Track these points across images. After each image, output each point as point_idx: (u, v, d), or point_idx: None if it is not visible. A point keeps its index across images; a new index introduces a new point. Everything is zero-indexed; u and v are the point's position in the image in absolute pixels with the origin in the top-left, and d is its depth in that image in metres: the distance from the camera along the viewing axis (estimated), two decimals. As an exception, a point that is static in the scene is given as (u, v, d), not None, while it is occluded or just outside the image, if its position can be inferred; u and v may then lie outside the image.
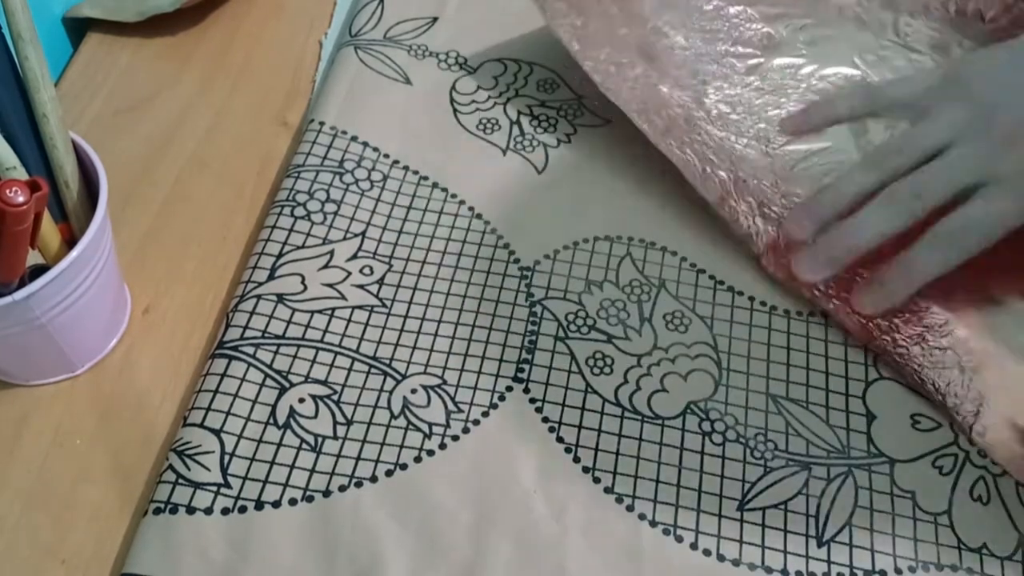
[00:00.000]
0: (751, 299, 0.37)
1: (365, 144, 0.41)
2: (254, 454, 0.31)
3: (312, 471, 0.31)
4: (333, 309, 0.35)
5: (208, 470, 0.31)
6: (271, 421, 0.32)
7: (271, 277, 0.36)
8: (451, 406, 0.33)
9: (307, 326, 0.35)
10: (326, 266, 0.37)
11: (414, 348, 0.34)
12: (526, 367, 0.34)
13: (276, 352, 0.34)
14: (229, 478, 0.31)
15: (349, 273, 0.37)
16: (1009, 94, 0.35)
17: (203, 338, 0.36)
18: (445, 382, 0.34)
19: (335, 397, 0.33)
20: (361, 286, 0.36)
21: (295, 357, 0.34)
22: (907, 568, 0.30)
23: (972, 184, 0.34)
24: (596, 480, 0.32)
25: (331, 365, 0.34)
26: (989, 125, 0.34)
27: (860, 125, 0.42)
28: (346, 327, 0.35)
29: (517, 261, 0.37)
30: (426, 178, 0.40)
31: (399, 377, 0.34)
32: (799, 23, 0.47)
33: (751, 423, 0.33)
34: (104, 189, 0.31)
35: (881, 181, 0.35)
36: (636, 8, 0.45)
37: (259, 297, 0.35)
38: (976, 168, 0.34)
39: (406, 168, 0.41)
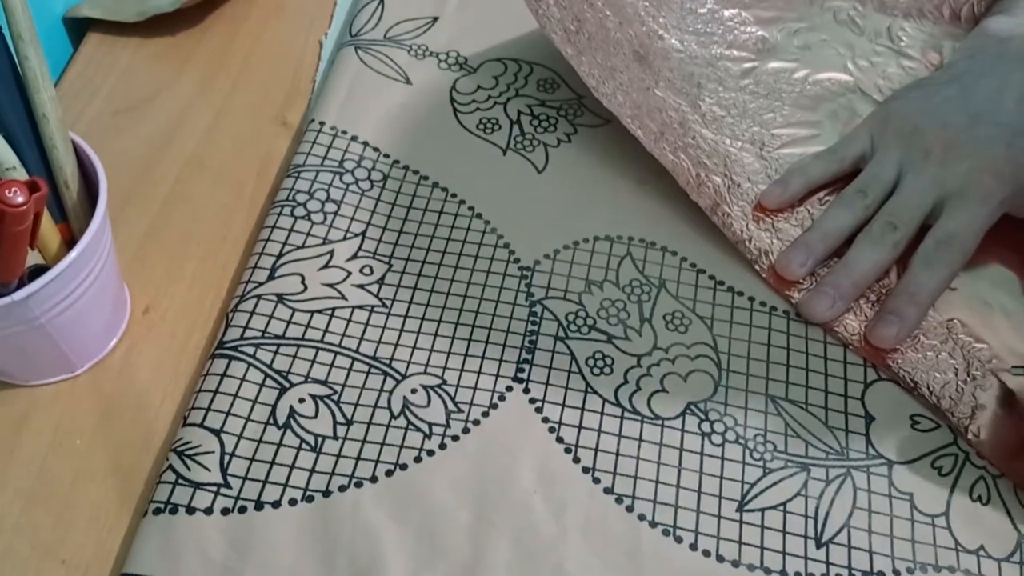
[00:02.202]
0: (751, 299, 0.37)
1: (365, 144, 0.41)
2: (254, 454, 0.31)
3: (312, 471, 0.31)
4: (333, 309, 0.35)
5: (208, 470, 0.31)
6: (271, 421, 0.32)
7: (271, 277, 0.36)
8: (451, 406, 0.33)
9: (307, 326, 0.35)
10: (326, 266, 0.37)
11: (414, 348, 0.34)
12: (526, 367, 0.34)
13: (276, 352, 0.34)
14: (229, 478, 0.31)
15: (349, 273, 0.37)
16: (927, 120, 0.39)
17: (203, 338, 0.36)
18: (445, 382, 0.34)
19: (335, 397, 0.33)
20: (361, 286, 0.36)
21: (295, 357, 0.34)
22: (905, 570, 0.30)
23: (935, 203, 0.37)
24: (596, 480, 0.32)
25: (331, 365, 0.34)
26: (922, 151, 0.38)
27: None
28: (346, 327, 0.35)
29: (517, 261, 0.37)
30: (426, 178, 0.40)
31: (399, 377, 0.34)
32: (793, 27, 0.47)
33: (750, 424, 0.33)
34: (104, 189, 0.31)
35: (857, 218, 0.38)
36: (630, 11, 0.44)
37: (259, 297, 0.35)
38: (931, 189, 0.37)
39: (406, 168, 0.41)
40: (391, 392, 0.33)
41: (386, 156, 0.41)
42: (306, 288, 0.36)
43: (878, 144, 0.40)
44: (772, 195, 0.39)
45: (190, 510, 0.30)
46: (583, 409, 0.33)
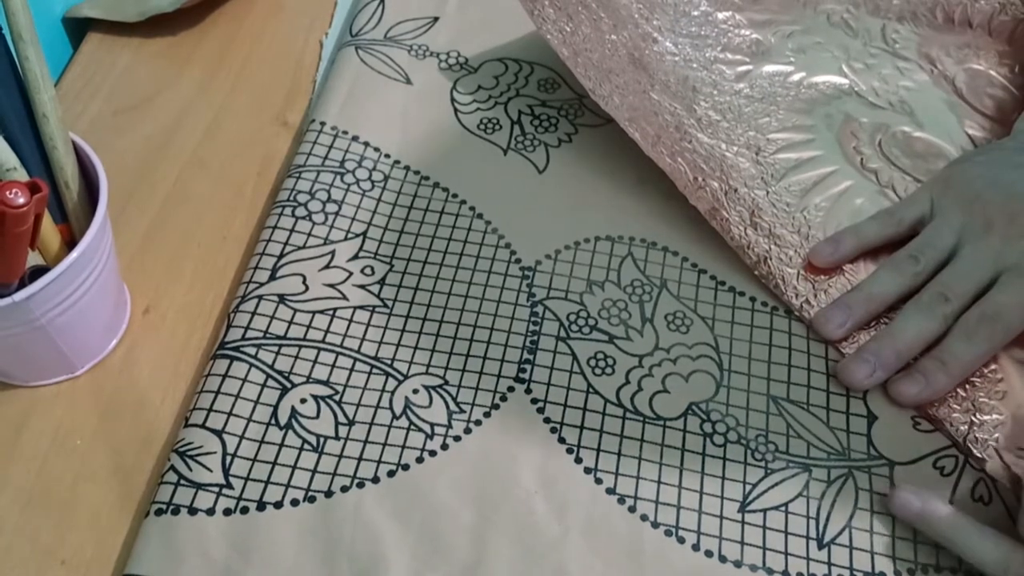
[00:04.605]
0: (752, 299, 0.37)
1: (366, 144, 0.41)
2: (256, 455, 0.31)
3: (314, 471, 0.31)
4: (335, 309, 0.35)
5: (210, 471, 0.31)
6: (273, 422, 0.32)
7: (272, 277, 0.36)
8: (453, 406, 0.33)
9: (309, 326, 0.35)
10: (327, 266, 0.37)
11: (416, 348, 0.34)
12: (528, 367, 0.34)
13: (278, 353, 0.34)
14: (231, 479, 0.31)
15: (350, 273, 0.37)
16: (991, 189, 0.37)
17: (203, 338, 0.36)
18: (447, 382, 0.34)
19: (337, 397, 0.33)
20: (362, 286, 0.36)
21: (297, 358, 0.34)
22: (906, 571, 0.30)
23: (992, 277, 0.35)
24: (598, 481, 0.32)
25: (333, 365, 0.34)
26: (984, 221, 0.36)
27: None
28: (348, 327, 0.35)
29: (518, 261, 0.37)
30: (427, 178, 0.40)
31: (401, 377, 0.34)
32: (787, 30, 0.47)
33: (752, 424, 0.33)
34: (104, 190, 0.31)
35: (905, 285, 0.36)
36: (624, 14, 0.44)
37: (260, 297, 0.35)
38: (989, 262, 0.35)
39: (407, 168, 0.40)
40: (393, 392, 0.33)
41: (387, 156, 0.41)
42: (307, 288, 0.36)
43: (938, 208, 0.38)
44: (823, 254, 0.37)
45: (192, 511, 0.30)
46: (585, 409, 0.33)
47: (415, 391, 0.33)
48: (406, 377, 0.34)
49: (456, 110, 0.43)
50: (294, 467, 0.31)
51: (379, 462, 0.31)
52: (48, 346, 0.32)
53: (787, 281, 0.37)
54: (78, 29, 0.47)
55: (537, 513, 0.31)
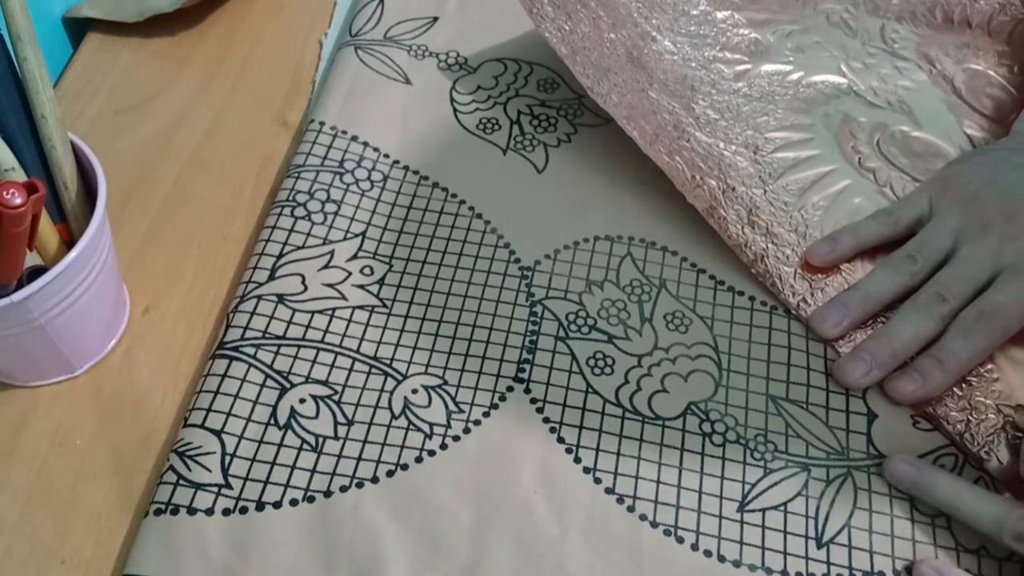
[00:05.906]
0: (751, 299, 0.37)
1: (365, 144, 0.41)
2: (255, 455, 0.31)
3: (313, 471, 0.31)
4: (334, 309, 0.35)
5: (209, 471, 0.31)
6: (272, 422, 0.32)
7: (271, 277, 0.36)
8: (452, 406, 0.33)
9: (308, 326, 0.35)
10: (326, 266, 0.37)
11: (415, 348, 0.34)
12: (527, 367, 0.34)
13: (277, 352, 0.34)
14: (230, 479, 0.31)
15: (349, 273, 0.37)
16: (989, 189, 0.37)
17: (203, 338, 0.36)
18: (446, 382, 0.34)
19: (336, 397, 0.33)
20: (362, 286, 0.36)
21: (296, 358, 0.34)
22: (905, 570, 0.30)
23: (990, 278, 0.35)
24: (597, 481, 0.32)
25: (332, 365, 0.34)
26: (982, 221, 0.36)
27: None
28: (347, 327, 0.35)
29: (518, 261, 0.37)
30: (426, 178, 0.40)
31: (400, 377, 0.34)
32: (786, 29, 0.47)
33: (751, 424, 0.33)
34: (103, 190, 0.31)
35: (903, 284, 0.36)
36: (623, 12, 0.44)
37: (259, 297, 0.35)
38: (987, 262, 0.35)
39: (406, 168, 0.41)
40: (392, 392, 0.33)
41: (386, 156, 0.41)
42: (306, 288, 0.36)
43: (936, 208, 0.37)
44: (820, 253, 0.37)
45: (191, 511, 0.30)
46: (584, 409, 0.33)
47: (414, 391, 0.33)
48: (405, 377, 0.34)
49: (455, 110, 0.43)
50: (293, 467, 0.31)
51: (378, 462, 0.31)
52: (47, 346, 0.32)
53: (784, 279, 0.37)
54: (78, 29, 0.47)
55: (537, 513, 0.31)
